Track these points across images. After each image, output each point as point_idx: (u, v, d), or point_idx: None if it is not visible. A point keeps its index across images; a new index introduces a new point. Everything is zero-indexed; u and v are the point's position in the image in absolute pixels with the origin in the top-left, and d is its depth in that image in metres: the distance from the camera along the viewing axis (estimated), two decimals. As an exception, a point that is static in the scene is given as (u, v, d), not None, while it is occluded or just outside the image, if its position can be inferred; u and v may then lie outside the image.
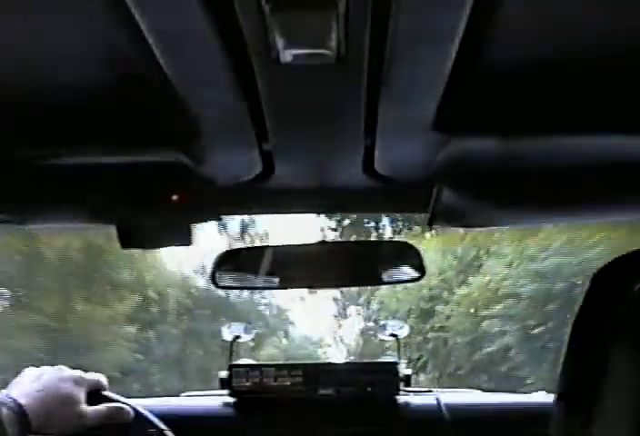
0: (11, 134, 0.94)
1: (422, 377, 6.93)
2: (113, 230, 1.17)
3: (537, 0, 0.71)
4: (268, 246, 1.38)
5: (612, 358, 0.62)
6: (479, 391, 1.57)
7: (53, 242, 5.71)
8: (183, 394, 1.62)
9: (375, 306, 7.91)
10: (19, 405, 1.04)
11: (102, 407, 1.13)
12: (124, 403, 1.15)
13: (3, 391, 1.07)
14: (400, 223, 7.68)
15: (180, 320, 7.32)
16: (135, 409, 1.16)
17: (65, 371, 1.14)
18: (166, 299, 7.18)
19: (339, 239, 7.45)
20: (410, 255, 1.33)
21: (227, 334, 1.49)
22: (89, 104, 0.89)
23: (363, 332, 7.98)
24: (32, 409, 1.05)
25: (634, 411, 0.60)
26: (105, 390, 1.17)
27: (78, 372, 1.15)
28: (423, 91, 0.83)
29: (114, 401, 1.15)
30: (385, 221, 7.75)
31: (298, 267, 1.33)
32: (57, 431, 1.08)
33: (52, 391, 1.09)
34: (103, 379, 1.17)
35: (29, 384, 1.09)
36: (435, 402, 1.33)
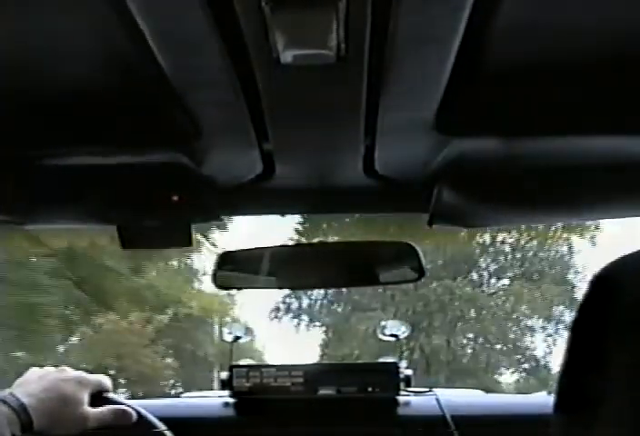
0: (11, 134, 0.94)
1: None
2: (113, 230, 1.17)
3: (537, 0, 0.71)
4: (268, 247, 1.38)
5: (612, 359, 0.62)
6: (479, 391, 1.57)
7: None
8: (183, 395, 1.62)
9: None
10: (21, 404, 1.04)
11: (104, 409, 1.13)
12: (127, 405, 1.15)
13: (6, 390, 1.07)
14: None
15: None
16: (137, 411, 1.15)
17: (69, 372, 1.14)
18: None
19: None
20: (409, 256, 1.33)
21: (227, 335, 1.48)
22: (89, 104, 0.89)
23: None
24: (34, 408, 1.04)
25: (635, 412, 0.59)
26: (108, 391, 1.16)
27: (81, 374, 1.15)
28: (423, 91, 0.83)
29: (117, 403, 1.15)
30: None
31: (298, 267, 1.33)
32: (59, 432, 1.08)
33: (55, 391, 1.09)
34: (106, 380, 1.17)
35: (32, 384, 1.09)
36: (434, 402, 1.33)
